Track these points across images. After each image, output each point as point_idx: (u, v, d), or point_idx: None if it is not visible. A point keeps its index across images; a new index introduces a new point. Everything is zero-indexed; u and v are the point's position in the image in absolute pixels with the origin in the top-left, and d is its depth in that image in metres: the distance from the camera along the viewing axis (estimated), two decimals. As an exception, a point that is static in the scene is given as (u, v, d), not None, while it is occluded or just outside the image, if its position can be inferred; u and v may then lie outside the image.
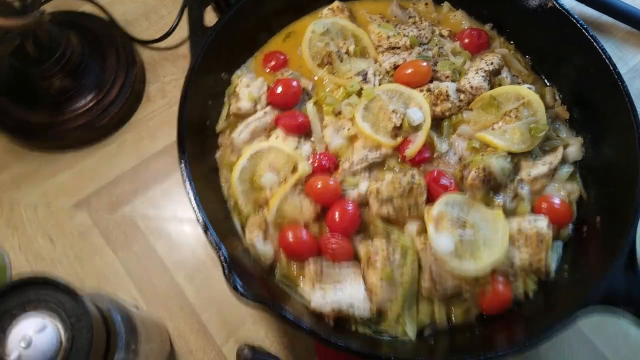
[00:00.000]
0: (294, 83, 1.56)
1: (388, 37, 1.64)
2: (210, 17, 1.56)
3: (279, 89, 1.54)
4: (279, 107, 1.56)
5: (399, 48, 1.64)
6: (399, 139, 1.48)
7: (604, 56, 1.42)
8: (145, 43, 1.88)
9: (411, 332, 1.33)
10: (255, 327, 1.51)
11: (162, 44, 1.88)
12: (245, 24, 1.59)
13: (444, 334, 1.37)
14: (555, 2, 1.49)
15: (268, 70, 1.66)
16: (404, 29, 1.66)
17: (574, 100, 1.57)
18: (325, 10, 1.69)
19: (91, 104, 1.69)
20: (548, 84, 1.64)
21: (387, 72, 1.60)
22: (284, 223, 1.42)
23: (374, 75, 1.58)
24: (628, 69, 1.85)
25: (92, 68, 1.72)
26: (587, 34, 1.45)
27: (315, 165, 1.45)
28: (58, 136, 1.67)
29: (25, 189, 1.68)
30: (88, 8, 1.93)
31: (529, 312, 1.37)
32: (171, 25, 1.84)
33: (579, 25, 1.46)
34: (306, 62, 1.63)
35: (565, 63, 1.56)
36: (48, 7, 1.88)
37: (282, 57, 1.66)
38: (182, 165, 1.33)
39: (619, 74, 1.40)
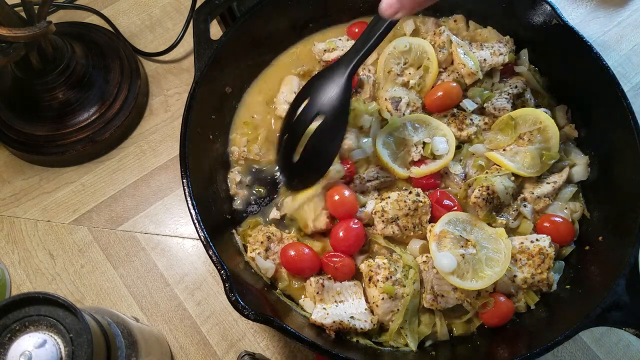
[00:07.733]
0: None
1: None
2: (215, 31, 1.56)
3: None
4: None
5: None
6: (412, 170, 1.48)
7: (608, 73, 1.42)
8: (149, 55, 1.88)
9: (412, 343, 1.33)
10: (255, 338, 1.51)
11: (166, 57, 1.89)
12: (250, 38, 1.60)
13: (445, 345, 1.37)
14: (559, 19, 1.49)
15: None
16: None
17: (580, 119, 1.56)
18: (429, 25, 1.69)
19: (94, 117, 1.69)
20: (557, 103, 1.62)
21: (421, 107, 1.57)
22: (293, 225, 1.45)
23: (407, 105, 1.55)
24: (631, 87, 1.84)
25: (96, 80, 1.72)
26: (591, 51, 1.44)
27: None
28: (60, 150, 1.67)
29: (26, 204, 1.68)
30: (93, 19, 1.94)
31: (530, 324, 1.37)
32: (176, 38, 1.85)
33: (583, 42, 1.46)
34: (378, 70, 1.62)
35: (570, 81, 1.56)
36: (52, 18, 1.89)
37: None
38: (184, 181, 1.32)
39: (622, 91, 1.40)
